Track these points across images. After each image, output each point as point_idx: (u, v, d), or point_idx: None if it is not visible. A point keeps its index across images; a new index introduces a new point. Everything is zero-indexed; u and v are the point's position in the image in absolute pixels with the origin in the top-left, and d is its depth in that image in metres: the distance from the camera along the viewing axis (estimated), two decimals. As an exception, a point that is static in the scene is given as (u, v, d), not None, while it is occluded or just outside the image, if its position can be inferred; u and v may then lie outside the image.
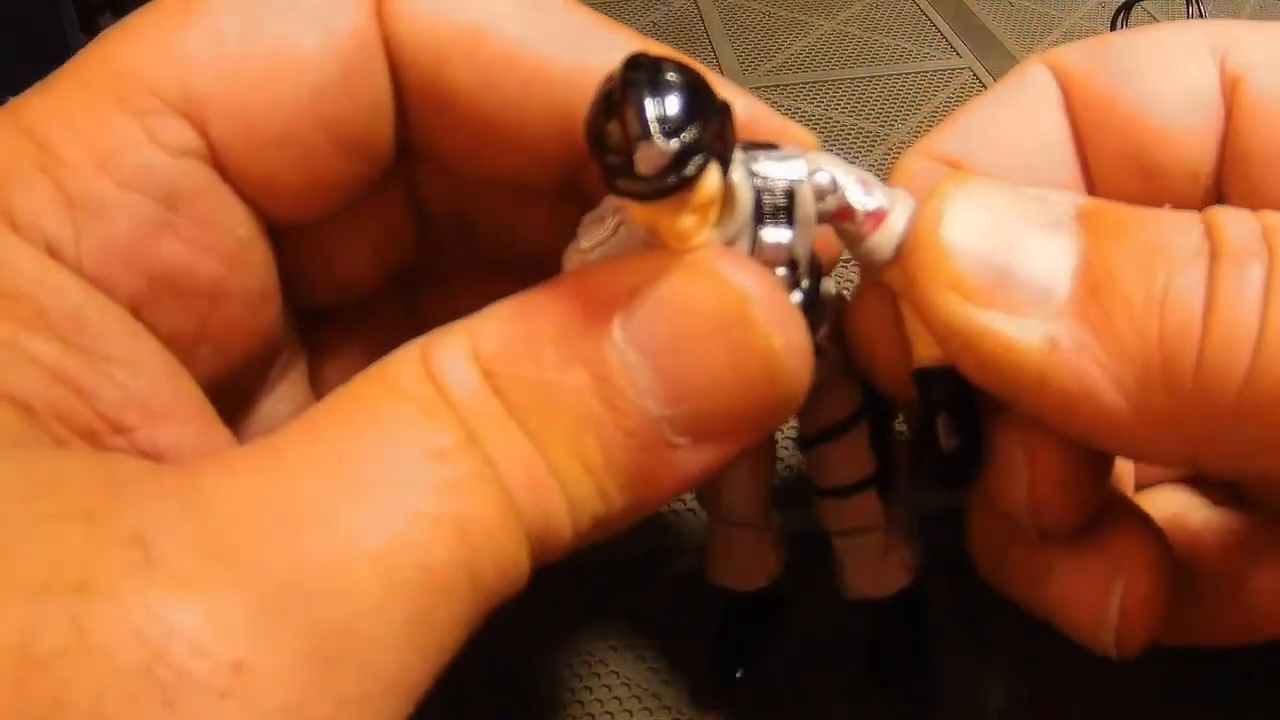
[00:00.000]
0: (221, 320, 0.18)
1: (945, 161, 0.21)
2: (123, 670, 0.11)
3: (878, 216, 0.17)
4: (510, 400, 0.15)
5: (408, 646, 0.13)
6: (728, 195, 0.16)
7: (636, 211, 0.15)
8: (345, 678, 0.13)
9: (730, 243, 0.16)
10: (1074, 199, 0.17)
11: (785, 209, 0.17)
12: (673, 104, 0.14)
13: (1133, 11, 0.53)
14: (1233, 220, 0.16)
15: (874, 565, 0.21)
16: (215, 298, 0.18)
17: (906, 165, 0.21)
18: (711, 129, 0.14)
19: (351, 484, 0.13)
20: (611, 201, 0.17)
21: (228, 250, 0.17)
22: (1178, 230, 0.15)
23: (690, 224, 0.15)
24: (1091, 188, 0.22)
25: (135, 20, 0.17)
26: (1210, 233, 0.15)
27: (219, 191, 0.17)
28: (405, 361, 0.15)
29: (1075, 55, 0.21)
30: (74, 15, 0.72)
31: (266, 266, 0.19)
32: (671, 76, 0.14)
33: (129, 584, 0.12)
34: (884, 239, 0.17)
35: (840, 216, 0.17)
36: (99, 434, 0.15)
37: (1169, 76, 0.20)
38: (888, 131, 0.48)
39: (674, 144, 0.14)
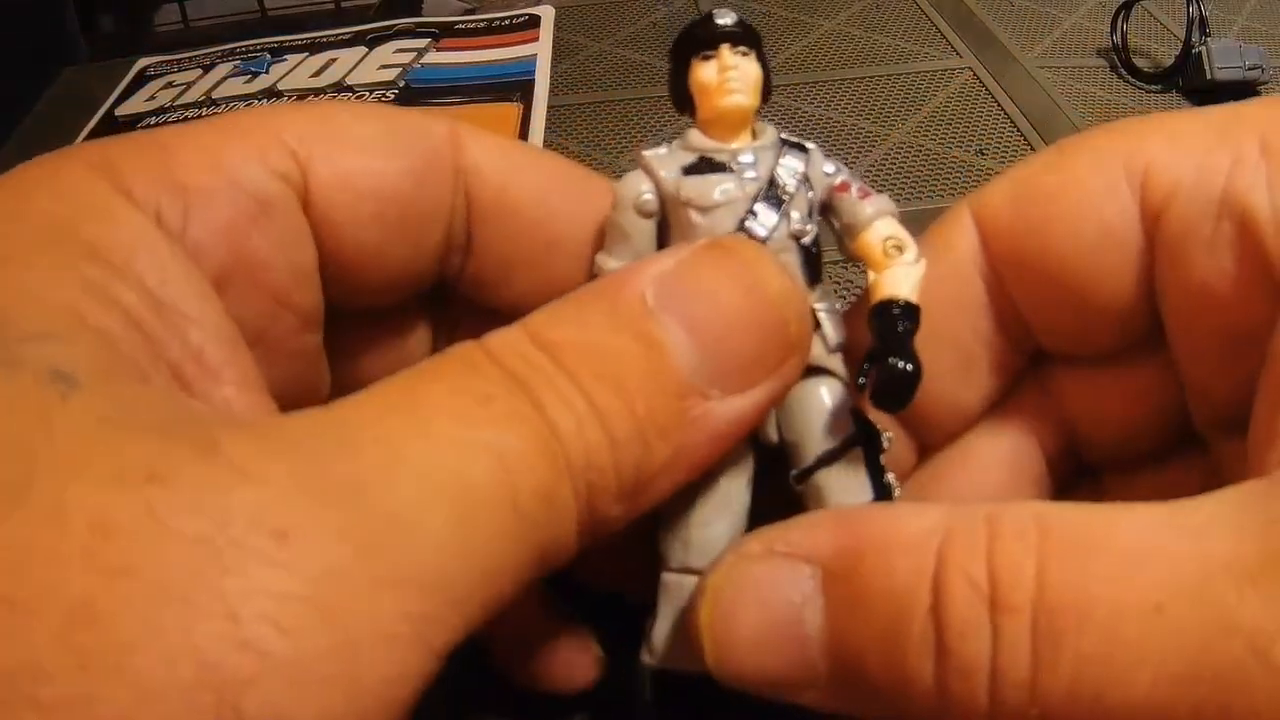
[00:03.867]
0: (280, 329, 0.21)
1: (854, 344, 0.22)
2: (186, 540, 0.13)
3: (865, 193, 0.22)
4: (560, 359, 0.17)
5: (448, 549, 0.15)
6: (762, 128, 0.22)
7: (701, 73, 0.21)
8: (383, 559, 0.14)
9: (764, 149, 0.21)
10: (822, 550, 0.17)
11: (801, 149, 0.22)
12: (736, 15, 0.22)
13: (1133, 11, 0.53)
14: (960, 585, 0.16)
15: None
16: (279, 301, 0.20)
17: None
18: (760, 41, 0.22)
19: (405, 421, 0.16)
20: (669, 144, 0.22)
21: (298, 263, 0.20)
22: (909, 599, 0.16)
23: (739, 73, 0.21)
24: (1014, 338, 0.23)
25: (280, 104, 0.23)
26: (937, 608, 0.16)
27: (300, 217, 0.20)
28: (462, 344, 0.17)
29: (998, 201, 0.22)
30: (74, 15, 0.72)
31: (318, 295, 0.21)
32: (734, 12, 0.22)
33: (194, 472, 0.14)
34: (866, 206, 0.21)
35: (839, 189, 0.22)
36: (163, 376, 0.17)
37: (1089, 220, 0.21)
38: (888, 131, 0.48)
39: (738, 16, 0.22)
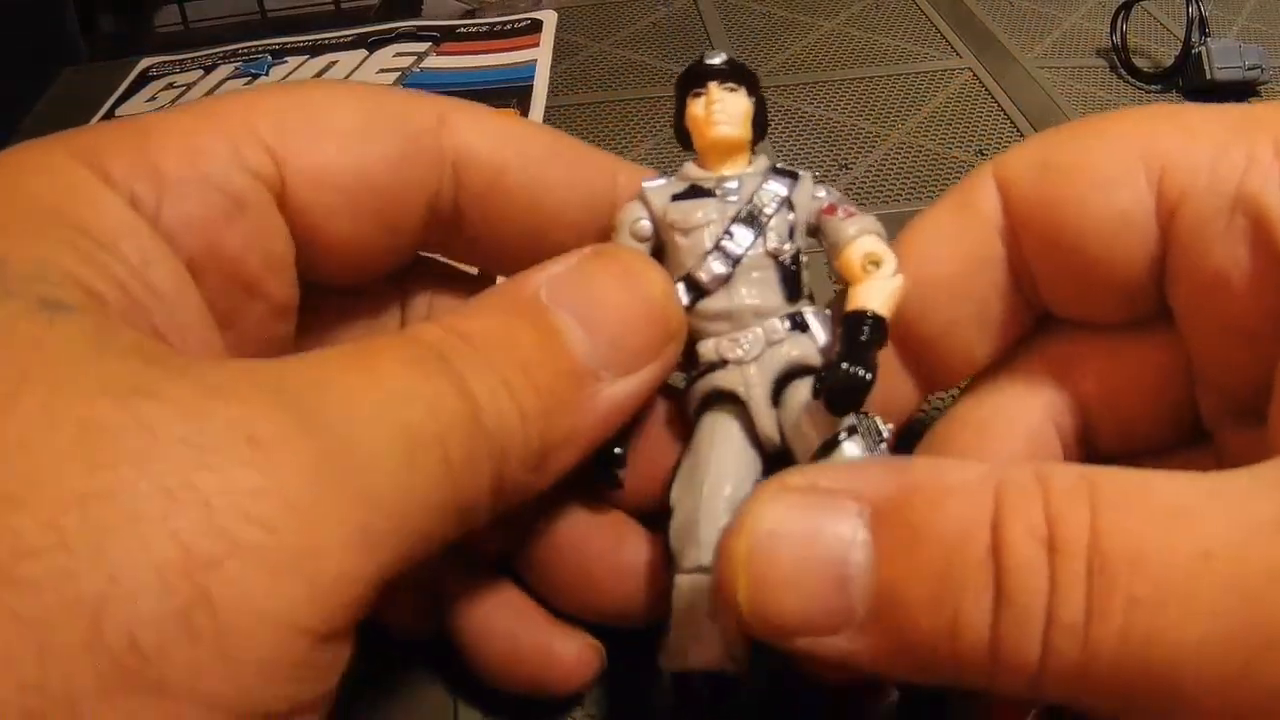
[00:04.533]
0: (251, 316, 0.21)
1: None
2: (168, 440, 0.14)
3: (850, 214, 0.22)
4: (475, 343, 0.19)
5: (395, 478, 0.16)
6: (754, 159, 0.23)
7: (693, 108, 0.23)
8: (343, 474, 0.15)
9: (751, 175, 0.23)
10: (872, 488, 0.17)
11: (791, 177, 0.23)
12: (729, 56, 0.24)
13: (1133, 12, 0.53)
14: (1020, 530, 0.16)
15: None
16: (250, 292, 0.21)
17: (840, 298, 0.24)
18: (751, 76, 0.23)
19: (360, 374, 0.17)
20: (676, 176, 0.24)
21: (270, 257, 0.21)
22: (965, 541, 0.16)
23: (725, 108, 0.23)
24: (1027, 297, 0.23)
25: (255, 87, 0.22)
26: (996, 549, 0.16)
27: (274, 213, 0.21)
28: (397, 332, 0.20)
29: (1020, 169, 0.22)
30: (74, 15, 0.72)
31: (292, 287, 0.22)
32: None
33: (177, 386, 0.15)
34: (849, 224, 0.22)
35: (826, 211, 0.23)
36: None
37: (1105, 203, 0.21)
38: (888, 132, 0.48)
39: (728, 57, 0.23)
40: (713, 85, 0.23)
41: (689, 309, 0.22)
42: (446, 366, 0.18)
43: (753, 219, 0.22)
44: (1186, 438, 0.23)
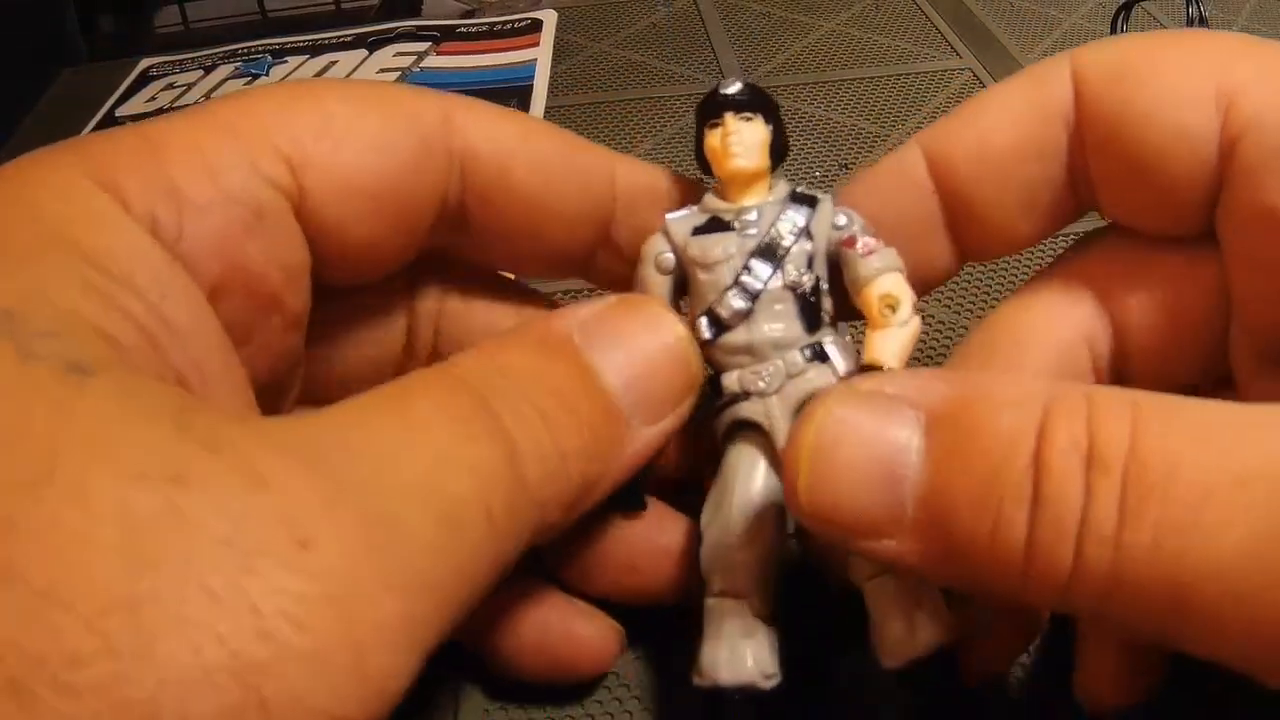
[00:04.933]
0: (268, 330, 0.21)
1: (932, 160, 0.24)
2: (211, 540, 0.14)
3: (871, 250, 0.23)
4: (514, 378, 0.19)
5: (436, 554, 0.16)
6: (774, 184, 0.23)
7: (710, 139, 0.23)
8: (384, 564, 0.15)
9: (770, 205, 0.23)
10: (929, 397, 0.18)
11: (810, 203, 0.23)
12: (746, 82, 0.24)
13: (1133, 12, 0.53)
14: (1062, 440, 0.17)
15: (905, 616, 0.21)
16: (270, 307, 0.21)
17: (898, 156, 0.24)
18: (769, 103, 0.23)
19: (395, 434, 0.17)
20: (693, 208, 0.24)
21: (290, 268, 0.21)
22: (1011, 449, 0.17)
23: (742, 139, 0.23)
24: (1078, 190, 0.24)
25: (263, 88, 0.22)
26: (1038, 458, 0.17)
27: (293, 224, 0.21)
28: (436, 367, 0.19)
29: (1097, 67, 0.23)
30: (74, 16, 0.72)
31: (307, 297, 0.22)
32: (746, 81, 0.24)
33: (214, 471, 0.14)
34: (868, 264, 0.22)
35: (846, 244, 0.23)
36: (168, 378, 0.18)
37: (1171, 119, 0.21)
38: (888, 132, 0.48)
39: (745, 83, 0.23)
40: (729, 116, 0.23)
41: (711, 342, 0.23)
42: (486, 412, 0.18)
43: (771, 251, 0.22)
44: (1211, 380, 0.23)
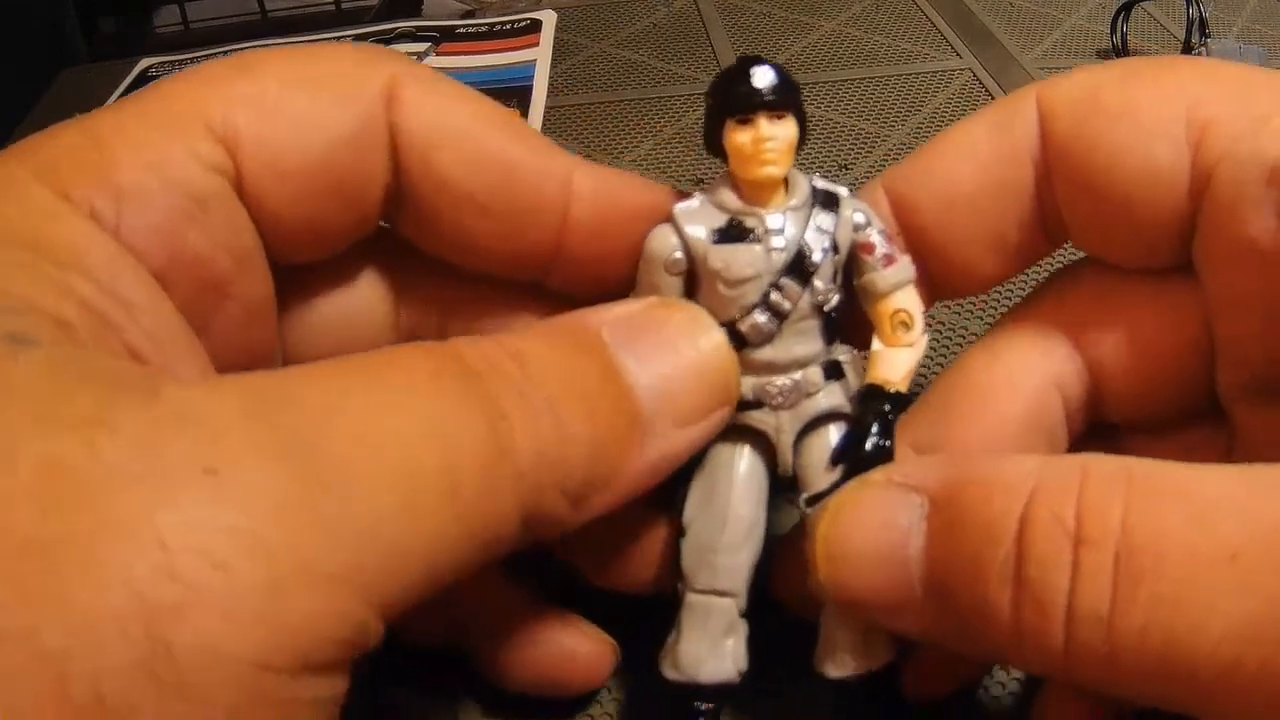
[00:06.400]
0: (226, 318, 0.20)
1: (896, 202, 0.23)
2: (126, 476, 0.13)
3: (889, 259, 0.22)
4: (527, 366, 0.18)
5: (389, 509, 0.15)
6: (795, 181, 0.22)
7: (735, 135, 0.21)
8: (318, 504, 0.14)
9: (795, 210, 0.21)
10: (932, 481, 0.19)
11: (833, 205, 0.22)
12: (776, 71, 0.21)
13: (1133, 12, 0.53)
14: (1045, 520, 0.17)
15: (862, 632, 0.21)
16: (223, 293, 0.20)
17: (868, 192, 0.24)
18: (797, 99, 0.21)
19: (349, 380, 0.16)
20: (701, 197, 0.22)
21: (238, 252, 0.20)
22: (995, 530, 0.17)
23: (775, 145, 0.21)
24: (1048, 226, 0.23)
25: (198, 69, 0.21)
26: (1021, 538, 0.17)
27: (237, 207, 0.20)
28: (428, 342, 0.18)
29: (1065, 102, 0.22)
30: (74, 17, 0.72)
31: (266, 282, 0.21)
32: (774, 65, 0.21)
33: (136, 416, 0.14)
34: (885, 277, 0.22)
35: (864, 249, 0.22)
36: (123, 356, 0.18)
37: (1142, 154, 0.21)
38: (888, 132, 0.48)
39: (778, 75, 0.21)
40: (762, 119, 0.21)
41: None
42: (475, 386, 0.17)
43: (799, 267, 0.21)
44: (1199, 413, 0.23)
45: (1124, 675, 0.16)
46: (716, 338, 0.21)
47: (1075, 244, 0.23)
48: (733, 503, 0.22)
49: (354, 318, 0.24)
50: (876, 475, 0.20)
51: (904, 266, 0.22)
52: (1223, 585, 0.15)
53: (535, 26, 0.58)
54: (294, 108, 0.21)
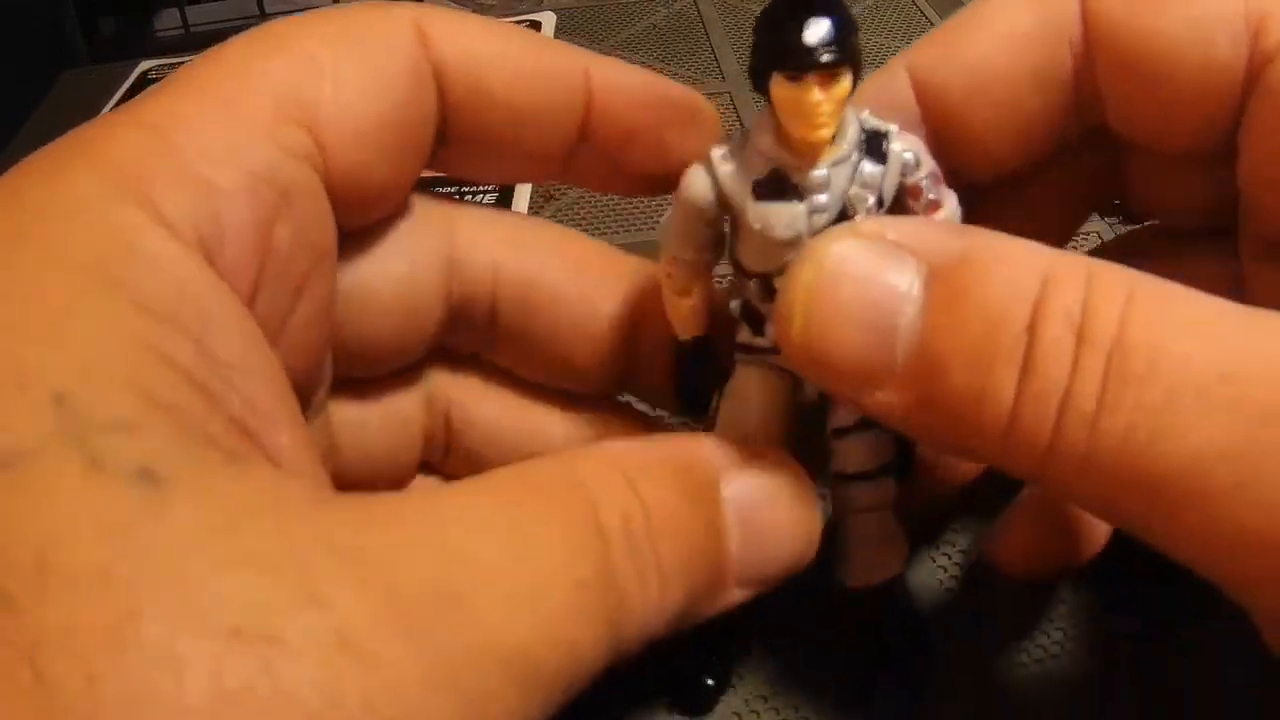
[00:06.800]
0: (299, 320, 0.20)
1: (921, 84, 0.23)
2: (306, 713, 0.13)
3: (935, 205, 0.21)
4: (652, 529, 0.17)
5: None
6: (842, 124, 0.20)
7: (783, 91, 0.19)
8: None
9: (840, 162, 0.20)
10: (934, 248, 0.18)
11: (879, 152, 0.20)
12: (833, 18, 0.19)
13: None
14: (1057, 311, 0.16)
15: (879, 546, 0.23)
16: (301, 293, 0.20)
17: (881, 83, 0.23)
18: (853, 46, 0.19)
19: (503, 569, 0.16)
20: (741, 135, 0.21)
21: (319, 249, 0.20)
22: (1007, 313, 0.17)
23: (826, 108, 0.19)
24: (1081, 114, 0.23)
25: (234, 47, 0.20)
26: (1033, 326, 0.16)
27: (320, 195, 0.20)
28: (563, 467, 0.18)
29: None
30: (74, 19, 0.72)
31: (334, 278, 0.21)
32: (831, 5, 0.19)
33: (308, 631, 0.13)
34: None
35: (911, 193, 0.21)
36: (232, 439, 0.16)
37: (1199, 47, 0.21)
38: (888, 132, 0.48)
39: (834, 27, 0.18)
40: (814, 83, 0.18)
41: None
42: (607, 590, 0.17)
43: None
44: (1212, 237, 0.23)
45: (1096, 479, 0.16)
46: (814, 515, 0.21)
47: (1113, 129, 0.23)
48: (761, 427, 0.22)
49: (404, 290, 0.23)
50: (868, 225, 0.18)
51: (950, 209, 0.21)
52: (1208, 402, 0.15)
53: (535, 27, 0.58)
54: (350, 71, 0.20)
